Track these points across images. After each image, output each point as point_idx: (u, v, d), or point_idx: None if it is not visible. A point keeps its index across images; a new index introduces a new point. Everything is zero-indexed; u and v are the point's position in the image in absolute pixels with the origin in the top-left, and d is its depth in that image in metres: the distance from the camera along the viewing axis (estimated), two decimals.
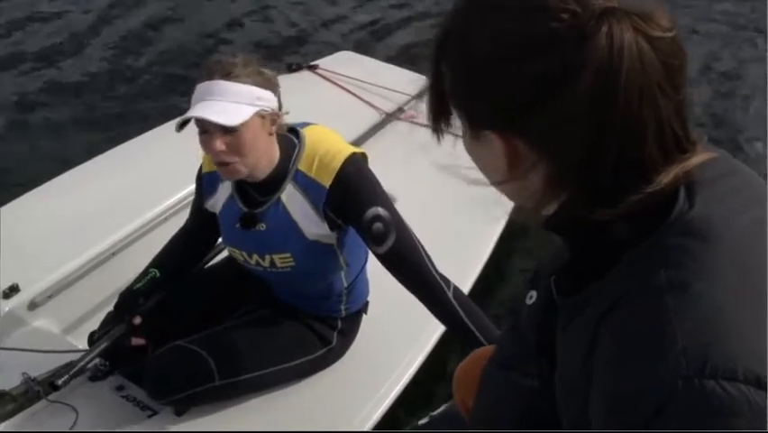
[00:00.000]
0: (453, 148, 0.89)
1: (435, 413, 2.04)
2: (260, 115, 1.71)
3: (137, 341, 1.91)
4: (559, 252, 1.00)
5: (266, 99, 1.72)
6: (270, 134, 1.76)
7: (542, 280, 1.02)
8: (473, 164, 0.86)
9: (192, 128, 1.72)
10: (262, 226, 1.84)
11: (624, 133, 0.72)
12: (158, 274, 1.98)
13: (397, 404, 2.01)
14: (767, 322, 0.69)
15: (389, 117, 3.13)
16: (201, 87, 1.69)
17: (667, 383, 0.67)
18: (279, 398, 1.96)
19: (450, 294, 1.76)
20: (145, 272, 2.00)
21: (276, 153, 1.79)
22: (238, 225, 1.86)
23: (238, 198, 1.87)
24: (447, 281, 1.78)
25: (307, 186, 1.79)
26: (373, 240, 1.76)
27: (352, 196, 1.77)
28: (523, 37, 0.72)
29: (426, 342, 2.13)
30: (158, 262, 2.04)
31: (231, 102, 1.66)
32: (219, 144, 1.68)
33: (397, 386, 2.00)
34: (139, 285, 1.97)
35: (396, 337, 2.14)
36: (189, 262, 2.11)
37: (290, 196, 1.80)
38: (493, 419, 1.24)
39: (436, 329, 2.13)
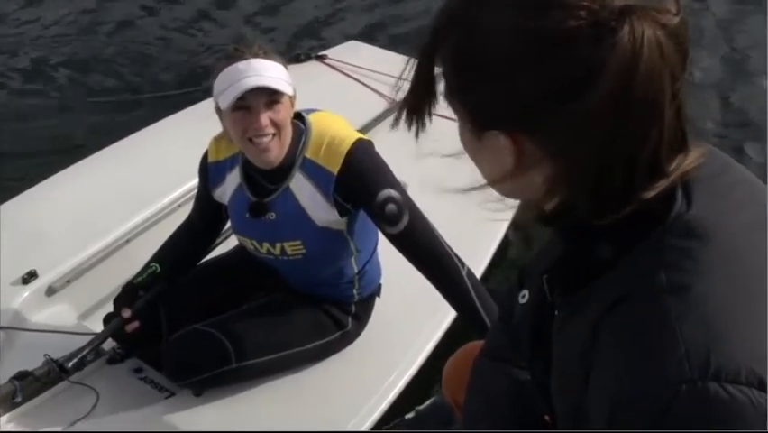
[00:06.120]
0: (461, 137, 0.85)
1: (421, 408, 2.06)
2: (289, 96, 1.75)
3: (131, 326, 1.95)
4: (547, 250, 0.99)
5: (291, 82, 1.76)
6: (290, 118, 1.79)
7: (532, 278, 1.00)
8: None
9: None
10: (272, 215, 1.86)
11: (640, 132, 0.69)
12: (158, 269, 2.01)
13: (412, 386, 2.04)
14: (767, 323, 0.69)
15: (397, 105, 3.14)
16: (240, 66, 1.69)
17: (671, 387, 0.67)
18: (295, 380, 2.00)
19: (464, 272, 1.79)
20: (146, 267, 2.03)
21: (290, 139, 1.81)
22: (247, 215, 1.88)
23: (246, 187, 1.88)
24: (461, 261, 1.81)
25: (316, 173, 1.80)
26: (387, 221, 1.78)
27: (363, 180, 1.79)
28: (541, 35, 0.68)
29: (439, 325, 2.14)
30: (158, 256, 2.07)
31: (273, 78, 1.69)
32: (265, 118, 1.70)
33: (411, 368, 2.02)
34: (139, 279, 2.00)
35: (409, 319, 2.16)
36: (192, 254, 2.14)
37: (299, 184, 1.82)
38: (488, 411, 1.24)
39: (449, 312, 2.15)
